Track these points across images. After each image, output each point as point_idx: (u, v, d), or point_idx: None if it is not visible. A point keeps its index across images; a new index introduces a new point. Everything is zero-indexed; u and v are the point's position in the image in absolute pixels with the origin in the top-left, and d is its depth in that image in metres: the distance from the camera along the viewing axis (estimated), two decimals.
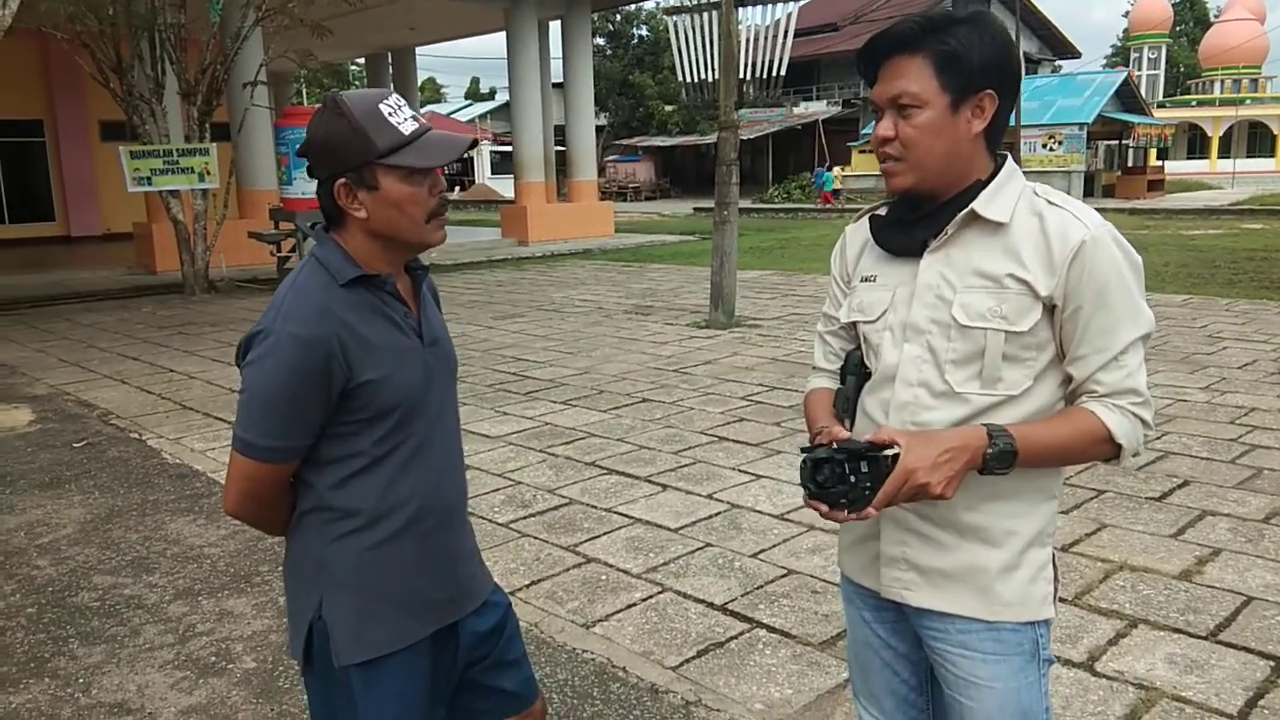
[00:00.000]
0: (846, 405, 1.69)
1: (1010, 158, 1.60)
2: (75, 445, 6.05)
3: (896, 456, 1.53)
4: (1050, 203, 1.54)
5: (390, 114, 1.58)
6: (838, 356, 1.76)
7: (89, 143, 21.42)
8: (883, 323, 1.62)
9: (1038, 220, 1.52)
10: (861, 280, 1.69)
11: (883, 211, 1.69)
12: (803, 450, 1.53)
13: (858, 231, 1.75)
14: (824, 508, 1.49)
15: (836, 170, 32.76)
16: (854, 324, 1.70)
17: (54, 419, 6.73)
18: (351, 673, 1.67)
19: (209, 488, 5.15)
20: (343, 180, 1.58)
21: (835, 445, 1.50)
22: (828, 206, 30.71)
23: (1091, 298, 1.48)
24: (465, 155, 1.83)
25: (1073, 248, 1.48)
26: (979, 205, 1.53)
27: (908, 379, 1.58)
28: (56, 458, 5.79)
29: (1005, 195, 1.54)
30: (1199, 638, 3.22)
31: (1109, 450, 1.51)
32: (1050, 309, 1.51)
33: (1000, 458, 1.46)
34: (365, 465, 1.65)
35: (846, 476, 1.47)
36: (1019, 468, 1.49)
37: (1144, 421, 1.51)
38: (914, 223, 1.60)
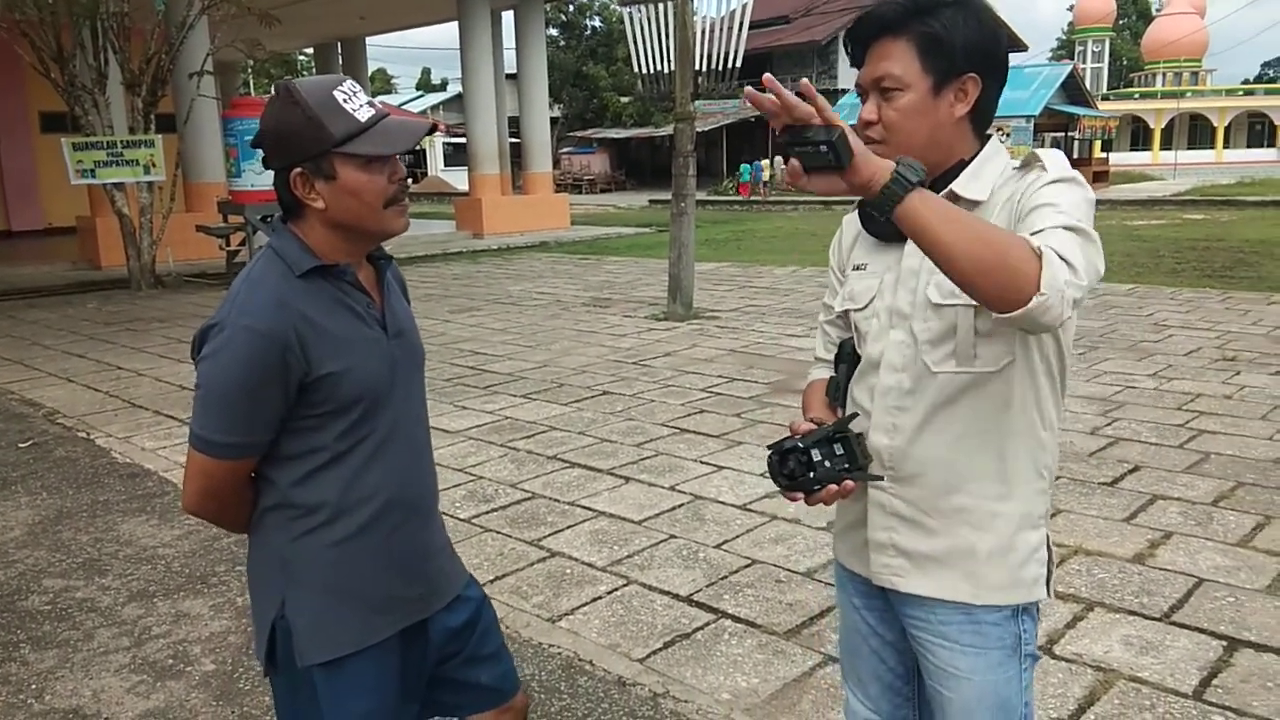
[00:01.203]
0: (838, 393, 1.70)
1: (995, 138, 1.60)
2: (21, 445, 5.89)
3: (862, 435, 1.56)
4: (1026, 168, 1.50)
5: (345, 100, 1.54)
6: (836, 346, 1.76)
7: (29, 135, 20.84)
8: (870, 310, 1.62)
9: (1010, 187, 1.50)
10: (854, 269, 1.69)
11: None
12: (769, 448, 1.54)
13: (852, 222, 1.74)
14: (799, 497, 1.50)
15: (765, 163, 33.49)
16: (846, 313, 1.70)
17: None
18: (315, 673, 1.64)
19: (161, 487, 5.04)
20: (299, 170, 1.55)
21: (799, 438, 1.51)
22: (747, 198, 31.40)
23: (1040, 204, 1.39)
24: (419, 145, 1.79)
25: (1028, 184, 1.44)
26: (958, 185, 1.53)
27: (892, 364, 1.58)
28: (1, 458, 5.63)
29: (985, 174, 1.54)
30: (1153, 619, 3.29)
31: (1027, 273, 1.23)
32: None
33: (895, 188, 1.28)
34: (328, 460, 1.61)
35: (814, 464, 1.49)
36: (921, 231, 1.28)
37: (1069, 280, 1.26)
38: None
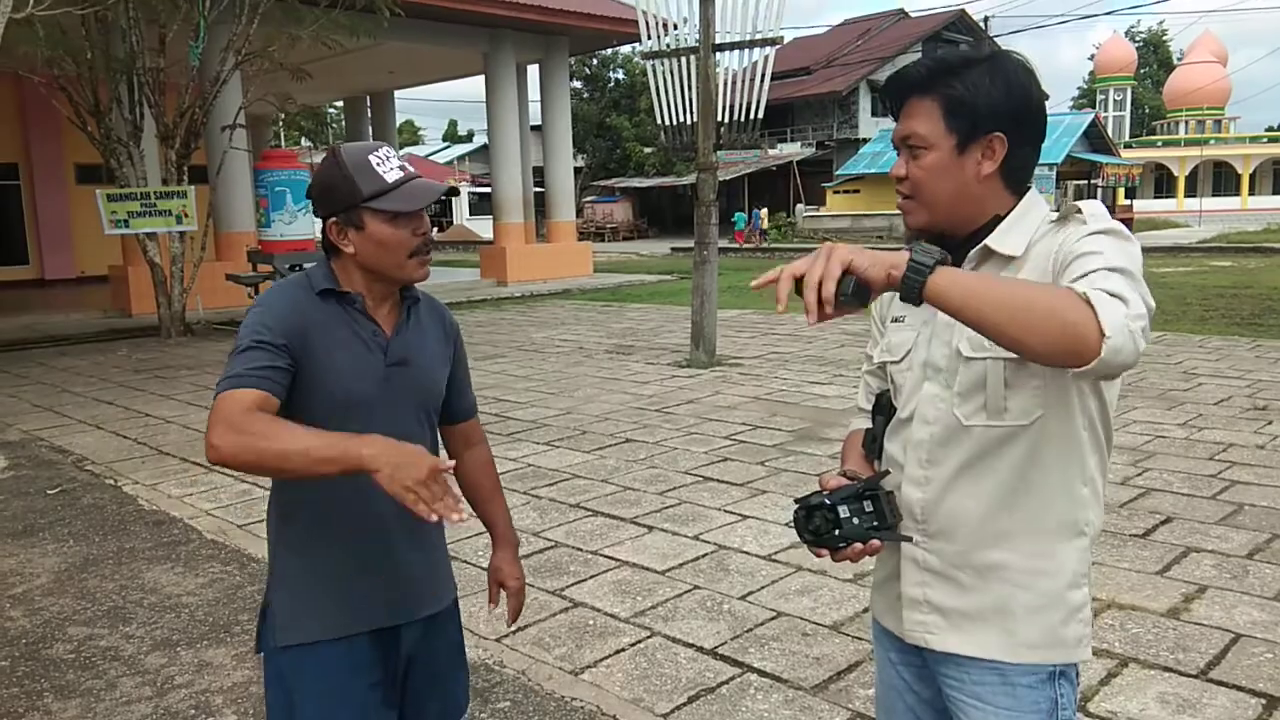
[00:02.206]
0: (874, 445, 1.70)
1: (1033, 191, 1.59)
2: (49, 492, 5.94)
3: (892, 494, 1.55)
4: (1064, 221, 1.48)
5: (379, 164, 1.77)
6: (874, 396, 1.77)
7: (64, 186, 21.29)
8: (906, 362, 1.62)
9: (1047, 241, 1.48)
10: (892, 321, 1.69)
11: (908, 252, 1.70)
12: (795, 501, 1.53)
13: None
14: (825, 553, 1.49)
15: (764, 212, 35.65)
16: (884, 364, 1.70)
17: (27, 465, 6.61)
18: (283, 654, 1.82)
19: (186, 534, 5.06)
20: (334, 219, 1.79)
21: (826, 494, 1.50)
22: (740, 245, 32.56)
23: (1081, 251, 1.37)
24: (444, 197, 1.90)
25: (1064, 236, 1.43)
26: (993, 240, 1.53)
27: (925, 417, 1.57)
28: (30, 505, 5.68)
29: (1021, 228, 1.53)
30: (1190, 676, 3.21)
31: (1088, 334, 1.20)
32: None
33: (917, 271, 1.30)
34: None
35: (841, 521, 1.47)
36: (964, 313, 1.29)
37: (1133, 317, 1.23)
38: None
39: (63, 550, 4.88)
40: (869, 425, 1.77)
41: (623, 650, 3.55)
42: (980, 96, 1.49)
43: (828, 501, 1.48)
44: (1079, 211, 1.47)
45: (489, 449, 2.20)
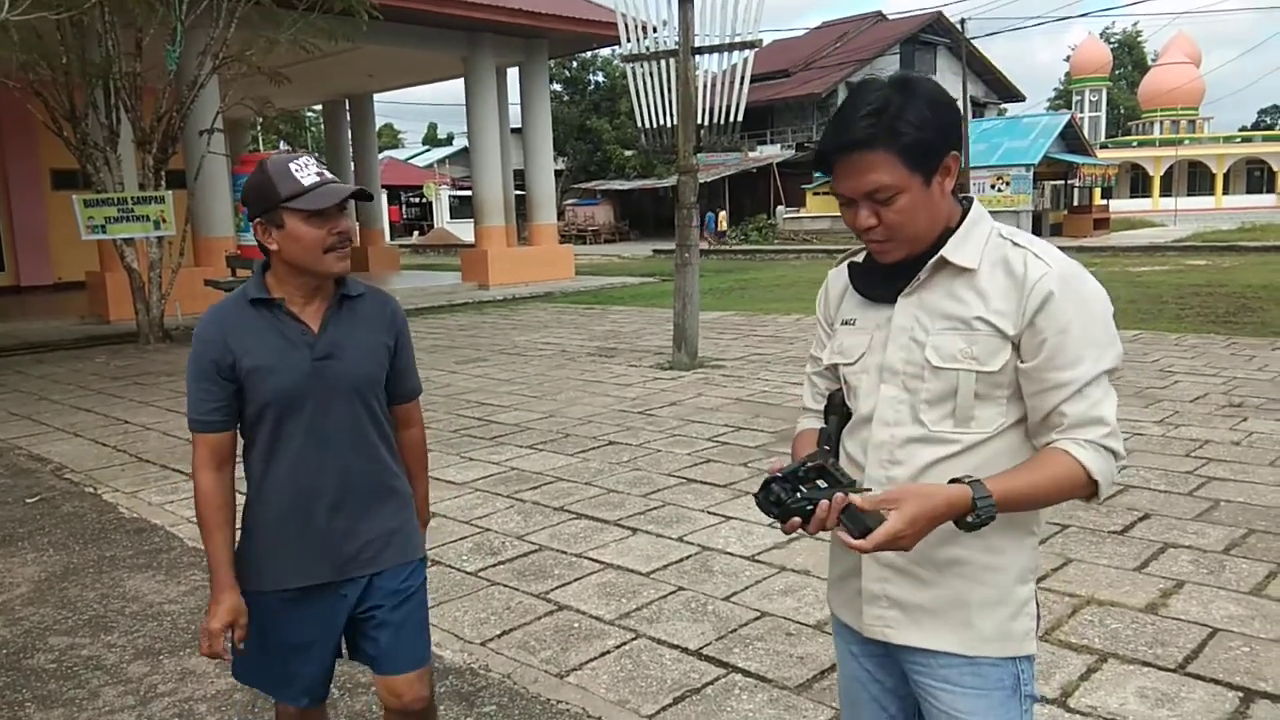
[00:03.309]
0: (830, 444, 1.72)
1: (976, 201, 1.65)
2: (28, 501, 5.89)
3: (836, 463, 1.57)
4: (1015, 244, 1.59)
5: (297, 170, 2.01)
6: (824, 397, 1.80)
7: (40, 191, 21.08)
8: (861, 365, 1.67)
9: (1002, 263, 1.57)
10: (842, 323, 1.74)
11: (860, 258, 1.73)
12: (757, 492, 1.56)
13: (839, 276, 1.79)
14: (797, 524, 1.50)
15: (722, 214, 37.11)
16: (835, 365, 1.74)
17: (5, 474, 6.55)
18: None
19: (167, 542, 5.03)
20: (259, 220, 2.04)
21: (779, 471, 1.53)
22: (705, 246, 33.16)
23: (1055, 333, 1.51)
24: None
25: (1034, 286, 1.52)
26: (948, 252, 1.59)
27: (884, 419, 1.62)
28: (8, 514, 5.63)
29: (973, 239, 1.60)
30: (1168, 670, 3.26)
31: (1086, 488, 1.53)
32: (1016, 347, 1.55)
33: (980, 523, 1.49)
34: (257, 451, 2.13)
35: (799, 488, 1.50)
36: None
37: (1114, 453, 1.53)
38: (891, 269, 1.64)
39: (42, 559, 4.84)
40: (815, 424, 1.81)
41: (608, 652, 3.56)
42: (927, 130, 1.52)
43: (780, 475, 1.51)
44: (1027, 247, 1.57)
45: (422, 430, 2.41)
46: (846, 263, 1.77)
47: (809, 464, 1.52)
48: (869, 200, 1.55)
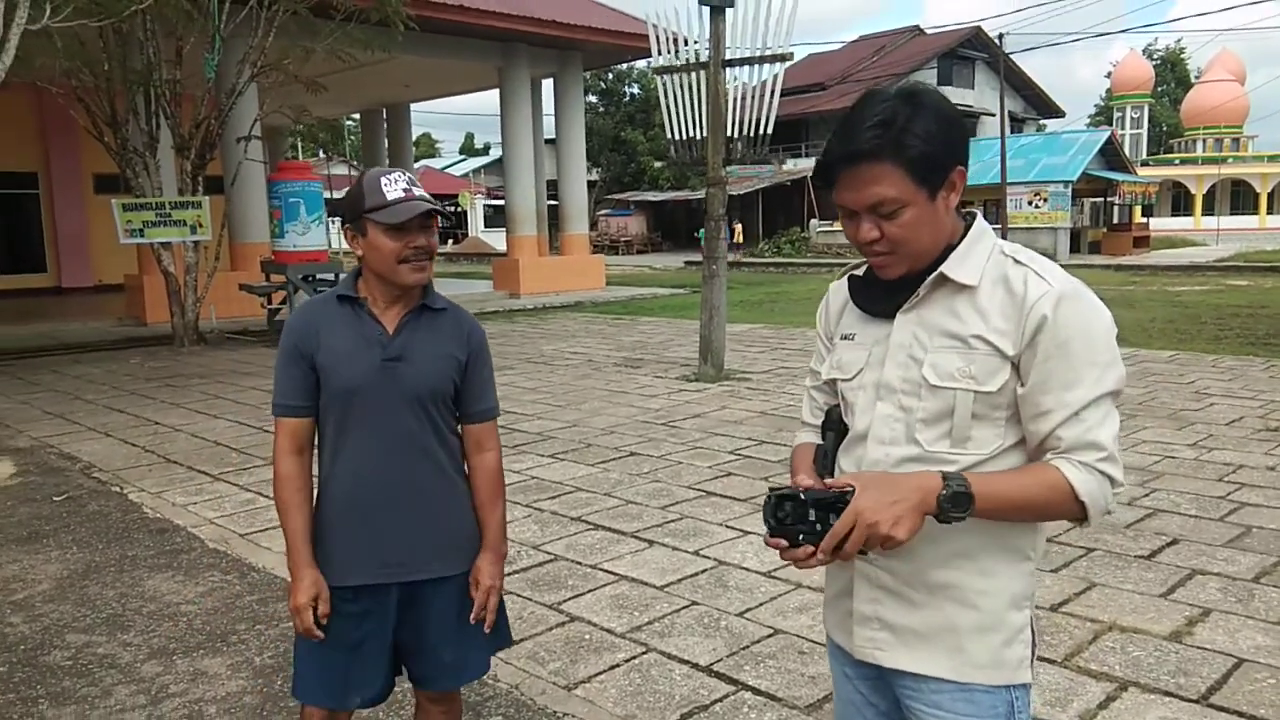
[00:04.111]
0: (826, 461, 1.70)
1: (979, 217, 1.62)
2: (55, 499, 5.98)
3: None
4: (1016, 261, 1.55)
5: (386, 184, 2.12)
6: (822, 412, 1.77)
7: (82, 195, 21.51)
8: (858, 381, 1.64)
9: (1003, 281, 1.54)
10: (841, 338, 1.71)
11: (860, 272, 1.71)
12: (771, 489, 1.52)
13: (839, 289, 1.77)
14: (783, 543, 1.48)
15: (736, 226, 37.50)
16: (833, 381, 1.71)
17: (35, 472, 6.65)
18: None
19: (188, 543, 5.07)
20: (347, 226, 2.18)
21: (801, 490, 1.49)
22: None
23: (1054, 354, 1.48)
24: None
25: (1034, 305, 1.49)
26: (948, 268, 1.55)
27: (880, 437, 1.59)
28: (36, 511, 5.71)
29: (974, 256, 1.56)
30: (1191, 701, 3.17)
31: (1074, 508, 1.48)
32: (1015, 367, 1.51)
33: (954, 500, 1.43)
34: (326, 444, 2.22)
35: (807, 517, 1.46)
36: (981, 518, 1.48)
37: (1110, 478, 1.49)
38: (890, 285, 1.61)
39: (66, 557, 4.90)
40: (813, 439, 1.78)
41: (617, 666, 3.53)
42: (934, 143, 1.49)
43: (802, 498, 1.47)
44: (1028, 264, 1.54)
45: (497, 456, 2.35)
46: (847, 276, 1.74)
47: (837, 503, 1.46)
48: (872, 213, 1.52)
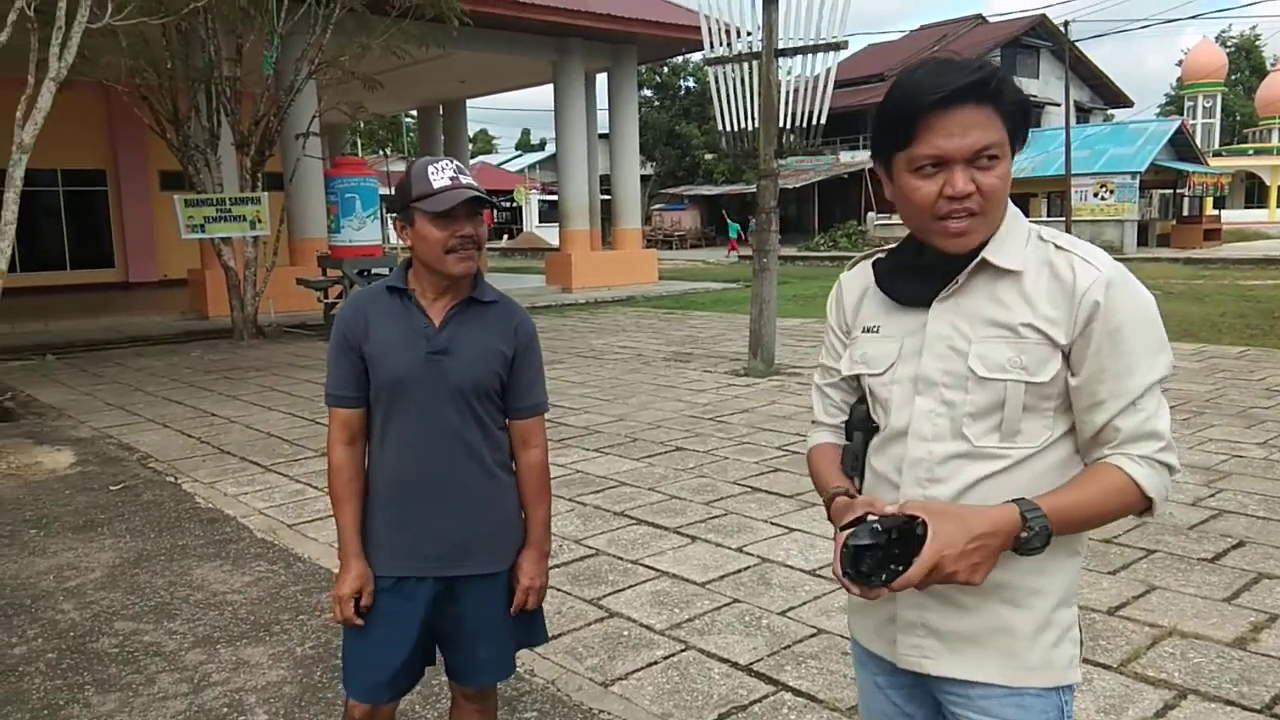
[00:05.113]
0: (855, 463, 1.63)
1: (1010, 201, 1.53)
2: (112, 488, 6.11)
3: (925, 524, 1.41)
4: (1058, 247, 1.48)
5: (433, 173, 2.09)
6: (840, 410, 1.70)
7: (149, 191, 22.05)
8: (890, 375, 1.56)
9: (1048, 267, 1.47)
10: (863, 331, 1.62)
11: (882, 257, 1.62)
12: (847, 538, 1.40)
13: (855, 279, 1.69)
14: (856, 590, 1.40)
15: (739, 224, 38.16)
16: (857, 376, 1.63)
17: (94, 462, 6.81)
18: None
19: (238, 533, 5.14)
20: (396, 216, 2.17)
21: (876, 522, 1.38)
22: (732, 252, 35.24)
23: (1107, 342, 1.42)
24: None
25: (1085, 292, 1.42)
26: (990, 253, 1.48)
27: (921, 434, 1.51)
28: (93, 500, 5.84)
29: (1014, 241, 1.49)
30: (1254, 711, 3.02)
31: (1141, 505, 1.45)
32: (1066, 356, 1.45)
33: (1037, 540, 1.38)
34: (374, 435, 2.21)
35: (887, 565, 1.38)
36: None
37: (1169, 467, 1.45)
38: (922, 270, 1.53)
39: (119, 545, 5.00)
40: (830, 439, 1.70)
41: (655, 663, 3.48)
42: (1023, 100, 1.46)
43: (880, 540, 1.37)
44: (1070, 249, 1.47)
45: (542, 453, 2.31)
46: (865, 264, 1.66)
47: (906, 527, 1.38)
48: (970, 164, 1.42)
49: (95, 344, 13.34)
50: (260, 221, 13.57)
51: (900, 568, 1.38)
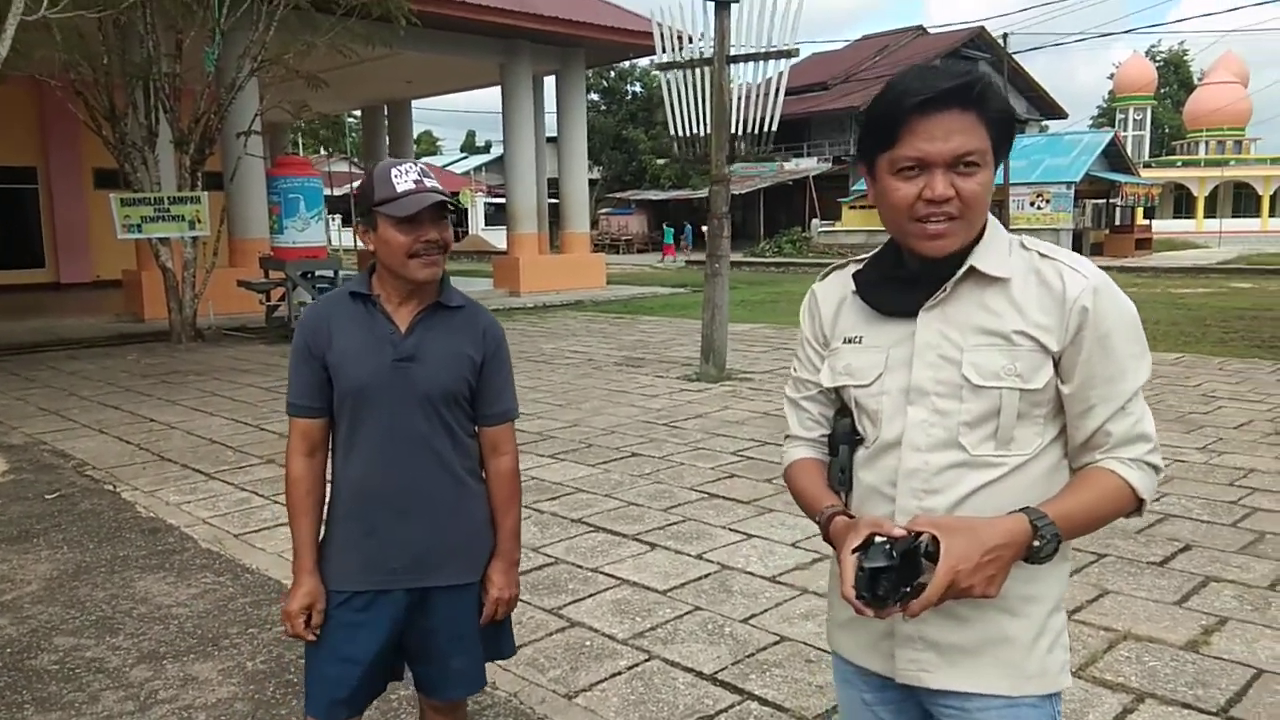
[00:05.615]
0: (843, 477, 1.60)
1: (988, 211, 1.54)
2: (47, 497, 5.88)
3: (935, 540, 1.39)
4: (1042, 255, 1.50)
5: (396, 176, 2.04)
6: (817, 423, 1.67)
7: (82, 190, 21.39)
8: (878, 386, 1.54)
9: (1035, 274, 1.48)
10: (844, 341, 1.60)
11: (861, 268, 1.61)
12: (854, 551, 1.38)
13: (830, 289, 1.67)
14: (870, 612, 1.38)
15: (704, 227, 37.34)
16: (839, 389, 1.61)
17: (28, 469, 6.56)
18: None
19: (181, 543, 4.98)
20: (359, 220, 2.12)
21: (887, 543, 1.37)
22: (667, 257, 36.38)
23: (1097, 349, 1.44)
24: (455, 208, 2.22)
25: (1075, 300, 1.44)
26: (977, 261, 1.48)
27: (915, 444, 1.49)
28: (27, 510, 5.61)
29: (997, 249, 1.50)
30: (1210, 714, 3.08)
31: (1132, 506, 1.48)
32: (1056, 363, 1.46)
33: (1048, 548, 1.39)
34: (338, 445, 2.16)
35: (901, 587, 1.37)
36: None
37: (1156, 468, 1.49)
38: (906, 280, 1.53)
39: (56, 557, 4.80)
40: (810, 454, 1.67)
41: (619, 673, 3.43)
42: (1009, 112, 1.47)
43: (895, 566, 1.36)
44: (1054, 257, 1.49)
45: (513, 460, 2.28)
46: (842, 274, 1.65)
47: (914, 544, 1.37)
48: (951, 168, 1.42)
49: (25, 347, 12.87)
50: (200, 221, 13.23)
51: (908, 588, 1.37)
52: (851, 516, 1.51)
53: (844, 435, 1.60)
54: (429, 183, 2.05)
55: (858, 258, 1.66)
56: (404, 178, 2.04)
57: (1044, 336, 1.44)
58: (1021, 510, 1.40)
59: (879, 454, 1.54)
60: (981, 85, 1.43)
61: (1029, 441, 1.47)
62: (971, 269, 1.47)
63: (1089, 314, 1.43)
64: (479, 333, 2.18)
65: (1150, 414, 1.50)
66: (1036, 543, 1.38)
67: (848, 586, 1.38)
